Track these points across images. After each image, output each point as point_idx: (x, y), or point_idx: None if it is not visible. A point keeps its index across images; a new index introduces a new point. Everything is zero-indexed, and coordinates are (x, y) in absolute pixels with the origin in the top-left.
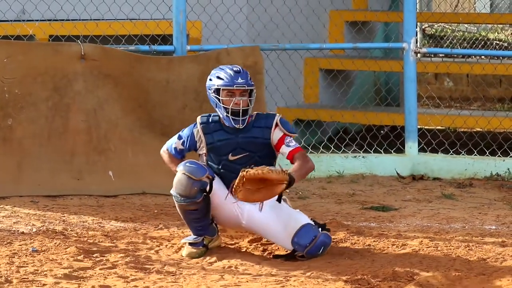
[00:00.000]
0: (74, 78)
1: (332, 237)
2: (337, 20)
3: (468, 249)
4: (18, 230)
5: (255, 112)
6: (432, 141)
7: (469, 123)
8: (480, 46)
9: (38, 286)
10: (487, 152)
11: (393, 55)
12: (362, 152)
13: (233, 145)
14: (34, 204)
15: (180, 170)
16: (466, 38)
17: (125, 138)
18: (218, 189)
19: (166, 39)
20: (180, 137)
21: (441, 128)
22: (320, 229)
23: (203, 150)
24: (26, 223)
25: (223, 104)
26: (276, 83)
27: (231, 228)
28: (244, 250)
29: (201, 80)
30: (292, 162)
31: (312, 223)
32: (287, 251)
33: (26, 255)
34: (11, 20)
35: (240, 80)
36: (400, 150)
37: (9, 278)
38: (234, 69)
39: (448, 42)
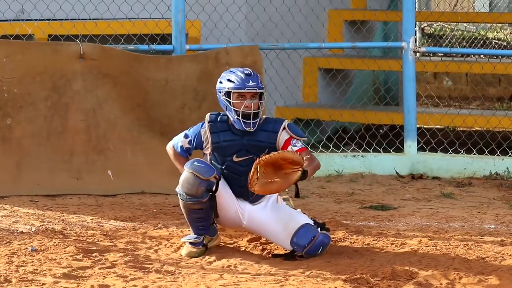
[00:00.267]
0: (73, 78)
1: (331, 236)
2: (336, 19)
3: (467, 248)
4: (17, 230)
5: (264, 116)
6: (431, 140)
7: (468, 122)
8: (479, 45)
9: (37, 285)
10: (486, 151)
11: (392, 54)
12: (361, 151)
13: (238, 146)
14: (33, 203)
15: (188, 169)
16: (465, 37)
17: (124, 138)
18: (222, 189)
19: (165, 38)
20: (186, 136)
21: (440, 127)
22: (319, 229)
23: (208, 149)
24: (25, 222)
25: (233, 107)
26: (275, 82)
27: (231, 228)
28: (243, 249)
29: (200, 80)
30: None
31: (312, 223)
32: (286, 250)
33: (25, 255)
34: (10, 20)
35: (251, 83)
36: (399, 149)
37: (8, 278)
38: (245, 72)
39: (447, 41)
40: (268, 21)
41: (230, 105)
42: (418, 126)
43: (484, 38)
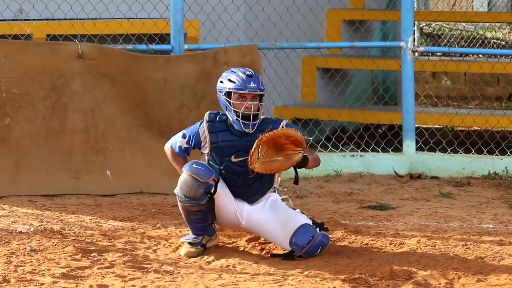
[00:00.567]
0: (71, 78)
1: (330, 236)
2: (335, 19)
3: (466, 248)
4: (16, 230)
5: (263, 116)
6: (430, 140)
7: (467, 122)
8: (477, 44)
9: (36, 285)
10: (485, 151)
11: (390, 54)
12: (360, 151)
13: (237, 147)
14: (32, 203)
15: (186, 171)
16: (464, 37)
17: (122, 138)
18: (220, 190)
19: (163, 38)
20: (184, 136)
21: (439, 126)
22: (318, 229)
23: (206, 149)
24: (24, 222)
25: (233, 107)
26: (274, 82)
27: (230, 228)
28: (242, 249)
29: (198, 79)
30: None
31: (310, 223)
32: (285, 250)
33: (24, 255)
34: (8, 19)
35: (252, 85)
36: (398, 149)
37: (7, 278)
38: (247, 72)
39: (445, 40)
40: (267, 21)
41: (230, 105)
42: (416, 125)
43: (483, 37)
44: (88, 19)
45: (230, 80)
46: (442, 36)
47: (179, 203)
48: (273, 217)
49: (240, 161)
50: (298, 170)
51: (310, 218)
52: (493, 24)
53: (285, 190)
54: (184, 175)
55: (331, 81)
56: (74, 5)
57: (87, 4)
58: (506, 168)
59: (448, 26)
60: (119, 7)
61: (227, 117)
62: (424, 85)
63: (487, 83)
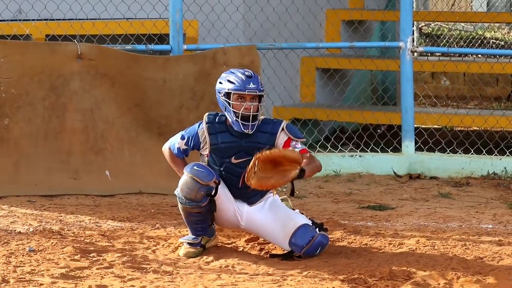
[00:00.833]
0: (70, 78)
1: (329, 236)
2: (334, 19)
3: (465, 248)
4: (15, 230)
5: (262, 117)
6: (429, 140)
7: (466, 122)
8: (476, 45)
9: (35, 286)
10: (484, 151)
11: (389, 54)
12: (359, 151)
13: (237, 148)
14: (31, 203)
15: (187, 173)
16: (463, 37)
17: (121, 138)
18: (220, 191)
19: (162, 38)
20: (183, 137)
21: (438, 127)
22: (317, 229)
23: (206, 151)
24: (23, 222)
25: (233, 108)
26: (273, 82)
27: (229, 229)
28: (241, 249)
29: (197, 80)
30: None
31: (310, 223)
32: (284, 251)
33: (23, 255)
34: (7, 20)
35: (251, 85)
36: (397, 149)
37: (6, 278)
38: (246, 73)
39: (444, 41)
40: (266, 21)
41: (230, 106)
42: (415, 126)
43: (482, 37)
44: (87, 19)
45: (229, 81)
46: (441, 36)
47: (179, 204)
48: (273, 217)
49: (240, 162)
50: (294, 181)
51: (309, 219)
52: (492, 24)
53: (284, 190)
54: (185, 177)
55: (330, 81)
56: (73, 6)
57: (86, 5)
58: (505, 168)
59: (447, 26)
60: (118, 7)
61: (226, 118)
62: (423, 85)
63: (486, 83)
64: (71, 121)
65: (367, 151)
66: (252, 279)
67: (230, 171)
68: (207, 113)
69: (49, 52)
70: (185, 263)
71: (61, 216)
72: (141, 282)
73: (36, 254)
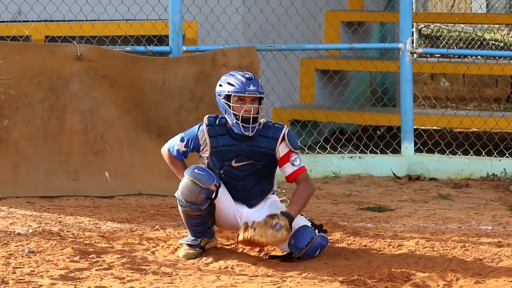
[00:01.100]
0: (70, 79)
1: (328, 237)
2: (333, 20)
3: (464, 250)
4: (14, 231)
5: (264, 120)
6: (428, 142)
7: (465, 123)
8: (476, 46)
9: (35, 287)
10: (483, 153)
11: (389, 56)
12: (358, 152)
13: (238, 152)
14: (30, 205)
15: (188, 176)
16: (462, 38)
17: (121, 139)
18: (221, 193)
19: (162, 39)
20: (182, 139)
21: (437, 128)
22: (317, 231)
23: (206, 153)
24: (22, 224)
25: (233, 110)
26: (272, 83)
27: (229, 230)
28: (240, 250)
29: (197, 81)
30: (291, 181)
31: (309, 224)
32: (283, 252)
33: (22, 256)
34: (6, 21)
35: (251, 88)
36: (396, 151)
37: (5, 279)
38: (246, 75)
39: (444, 42)
40: (265, 23)
41: (230, 108)
42: (415, 127)
43: (481, 39)
44: (86, 20)
45: (229, 83)
46: (441, 38)
47: (179, 207)
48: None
49: (241, 166)
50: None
51: (309, 220)
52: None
53: (284, 191)
54: (186, 179)
55: (329, 83)
56: (72, 7)
57: (85, 6)
58: (504, 169)
59: (446, 28)
60: (117, 8)
61: (226, 120)
62: (422, 86)
63: (486, 85)
64: (71, 122)
65: (367, 153)
66: (252, 281)
67: (230, 174)
68: (207, 115)
69: (49, 54)
70: (184, 265)
71: (60, 217)
72: (140, 283)
73: (36, 255)
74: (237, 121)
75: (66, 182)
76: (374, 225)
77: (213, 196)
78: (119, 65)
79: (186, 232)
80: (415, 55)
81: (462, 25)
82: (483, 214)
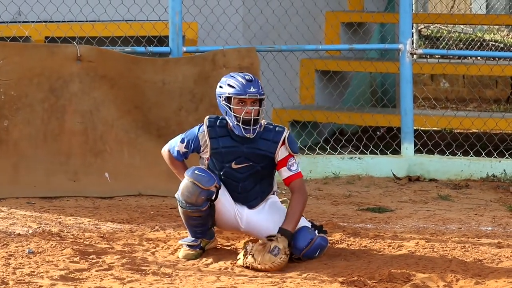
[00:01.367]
0: (70, 80)
1: (328, 238)
2: (333, 21)
3: (464, 250)
4: (14, 232)
5: (265, 121)
6: (428, 142)
7: (465, 124)
8: (476, 47)
9: (35, 287)
10: (483, 153)
11: (389, 56)
12: (358, 153)
13: (238, 153)
14: (30, 205)
15: (188, 177)
16: (462, 39)
17: (121, 140)
18: (221, 195)
19: (162, 40)
20: (183, 140)
21: (437, 129)
22: (317, 231)
23: (206, 154)
24: (22, 224)
25: (233, 112)
26: (272, 84)
27: (229, 231)
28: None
29: (197, 82)
30: (287, 185)
31: (309, 225)
32: None
33: (22, 257)
34: (6, 22)
35: (252, 89)
36: (396, 151)
37: (5, 280)
38: (246, 77)
39: (444, 43)
40: (265, 23)
41: (230, 110)
42: (415, 128)
43: (481, 40)
44: (86, 21)
45: (229, 85)
46: (441, 39)
47: (179, 208)
48: (272, 219)
49: (240, 167)
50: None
51: (309, 221)
52: (491, 26)
53: (284, 192)
54: (186, 181)
55: (329, 84)
56: (72, 8)
57: (85, 7)
58: (504, 170)
59: (446, 29)
60: (117, 9)
61: (227, 122)
62: (422, 87)
63: (486, 86)
64: (71, 123)
65: (367, 153)
66: (252, 281)
67: (230, 175)
68: (207, 116)
69: (49, 54)
70: (184, 265)
71: (60, 218)
72: (140, 284)
73: (36, 256)
74: (238, 123)
75: (66, 183)
76: (374, 226)
77: (213, 198)
78: (119, 66)
79: (186, 233)
80: (415, 56)
81: (462, 26)
82: (483, 215)
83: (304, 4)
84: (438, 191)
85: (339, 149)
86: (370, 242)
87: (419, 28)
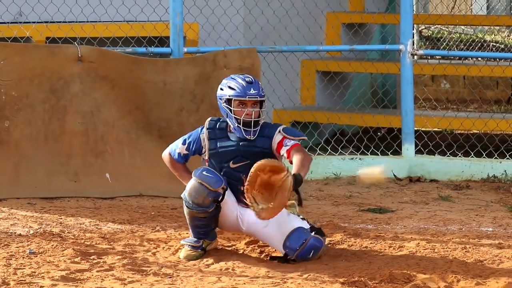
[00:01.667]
0: (71, 80)
1: (329, 239)
2: (334, 22)
3: (465, 251)
4: (15, 232)
5: (263, 121)
6: (429, 143)
7: (466, 125)
8: (476, 48)
9: None
10: (484, 154)
11: (390, 57)
12: (359, 154)
13: (235, 153)
14: (31, 206)
15: (196, 178)
16: (463, 40)
17: (122, 140)
18: (226, 196)
19: (163, 41)
20: (184, 142)
21: (438, 130)
22: (313, 232)
23: (206, 156)
24: (23, 225)
25: (234, 114)
26: (273, 85)
27: (230, 232)
28: (241, 252)
29: (198, 82)
30: (289, 159)
31: (305, 226)
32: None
33: (23, 257)
34: (8, 22)
35: (252, 91)
36: (397, 152)
37: (6, 280)
38: (246, 79)
39: (444, 44)
40: (266, 24)
41: (231, 112)
42: (415, 128)
43: (482, 40)
44: (87, 22)
45: (230, 87)
46: (441, 39)
47: (185, 208)
48: (272, 220)
49: (239, 166)
50: (300, 189)
51: (310, 223)
52: (492, 27)
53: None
54: (194, 181)
55: (330, 84)
56: (73, 8)
57: (86, 7)
58: (505, 171)
59: (447, 29)
60: (118, 10)
61: (227, 124)
62: (423, 88)
63: (486, 86)
64: (71, 123)
65: (367, 154)
66: (252, 282)
67: (230, 175)
68: (209, 118)
69: (50, 55)
70: (185, 266)
71: (61, 218)
72: (141, 284)
73: (37, 256)
74: (239, 125)
75: (66, 183)
76: (374, 226)
77: (220, 199)
78: (120, 66)
79: (187, 233)
80: (415, 56)
81: (462, 27)
82: (484, 216)
83: (305, 4)
84: (439, 191)
85: (340, 150)
86: (371, 243)
87: (420, 29)
